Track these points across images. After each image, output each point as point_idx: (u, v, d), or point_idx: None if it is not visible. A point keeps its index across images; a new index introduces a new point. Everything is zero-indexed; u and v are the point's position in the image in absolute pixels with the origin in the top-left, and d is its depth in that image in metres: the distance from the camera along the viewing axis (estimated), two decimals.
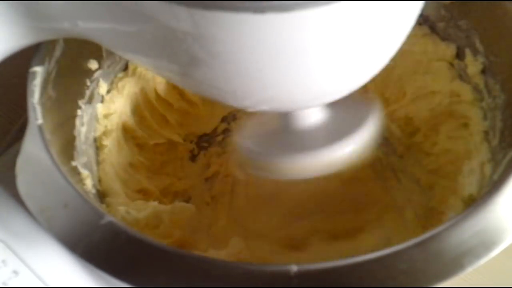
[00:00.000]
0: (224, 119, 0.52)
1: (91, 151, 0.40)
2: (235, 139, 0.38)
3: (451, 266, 0.26)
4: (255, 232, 0.45)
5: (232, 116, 0.52)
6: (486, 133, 0.38)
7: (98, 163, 0.40)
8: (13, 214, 0.33)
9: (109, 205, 0.38)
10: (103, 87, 0.42)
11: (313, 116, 0.33)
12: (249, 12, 0.20)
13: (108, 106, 0.42)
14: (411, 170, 0.45)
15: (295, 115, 0.33)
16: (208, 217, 0.46)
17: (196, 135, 0.51)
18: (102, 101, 0.42)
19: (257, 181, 0.46)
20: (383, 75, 0.29)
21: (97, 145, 0.41)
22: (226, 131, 0.51)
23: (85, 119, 0.40)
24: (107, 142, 0.41)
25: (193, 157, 0.50)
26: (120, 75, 0.44)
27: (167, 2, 0.20)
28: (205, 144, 0.51)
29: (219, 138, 0.51)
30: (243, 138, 0.37)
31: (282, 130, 0.34)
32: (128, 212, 0.36)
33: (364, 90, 0.28)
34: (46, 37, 0.29)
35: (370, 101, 0.35)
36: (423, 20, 0.44)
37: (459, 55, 0.42)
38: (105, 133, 0.41)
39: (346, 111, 0.33)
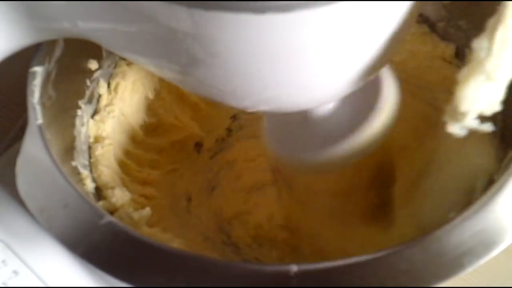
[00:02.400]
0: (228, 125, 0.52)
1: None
2: (263, 140, 0.38)
3: (451, 266, 0.26)
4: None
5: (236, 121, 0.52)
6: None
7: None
8: (13, 214, 0.33)
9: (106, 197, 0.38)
10: (103, 87, 0.42)
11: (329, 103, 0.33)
12: (249, 12, 0.20)
13: (97, 130, 0.41)
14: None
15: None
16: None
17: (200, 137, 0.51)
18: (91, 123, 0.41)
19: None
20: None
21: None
22: (228, 134, 0.51)
23: (85, 119, 0.40)
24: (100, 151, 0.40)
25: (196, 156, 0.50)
26: (105, 98, 0.43)
27: (167, 2, 0.20)
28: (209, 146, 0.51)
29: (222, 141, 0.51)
30: (269, 139, 0.37)
31: (301, 123, 0.34)
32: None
33: None
34: (46, 37, 0.29)
35: (383, 73, 0.34)
36: (422, 19, 0.44)
37: (459, 55, 0.42)
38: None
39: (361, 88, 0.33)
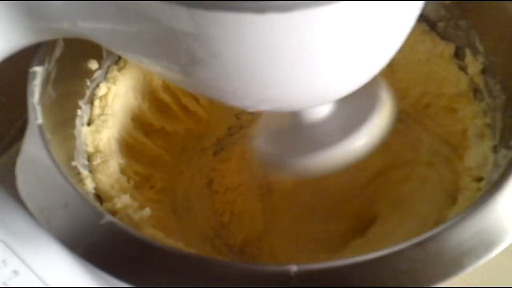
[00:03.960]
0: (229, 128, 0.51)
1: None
2: (250, 143, 0.38)
3: (451, 266, 0.26)
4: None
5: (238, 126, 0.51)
6: (488, 125, 0.38)
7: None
8: (13, 214, 0.33)
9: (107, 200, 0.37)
10: (103, 88, 0.42)
11: (324, 108, 0.33)
12: (249, 12, 0.20)
13: (93, 141, 0.40)
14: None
15: (305, 110, 0.33)
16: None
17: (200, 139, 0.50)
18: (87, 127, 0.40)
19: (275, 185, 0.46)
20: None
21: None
22: (228, 134, 0.51)
23: (85, 119, 0.40)
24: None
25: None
26: (97, 106, 0.42)
27: (167, 2, 0.20)
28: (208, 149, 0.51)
29: (223, 143, 0.51)
30: (257, 141, 0.37)
31: (293, 127, 0.34)
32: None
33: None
34: (46, 37, 0.29)
35: (379, 86, 0.35)
36: (422, 19, 0.44)
37: (459, 55, 0.42)
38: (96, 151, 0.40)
39: (357, 98, 0.33)
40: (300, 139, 0.34)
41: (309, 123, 0.33)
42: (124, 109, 0.44)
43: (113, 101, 0.42)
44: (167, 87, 0.47)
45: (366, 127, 0.32)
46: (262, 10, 0.19)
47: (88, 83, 0.40)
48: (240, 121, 0.51)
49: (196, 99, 0.49)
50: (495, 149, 0.36)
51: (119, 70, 0.43)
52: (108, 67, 0.43)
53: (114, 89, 0.42)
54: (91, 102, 0.41)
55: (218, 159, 0.50)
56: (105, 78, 0.42)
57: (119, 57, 0.43)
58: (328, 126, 0.33)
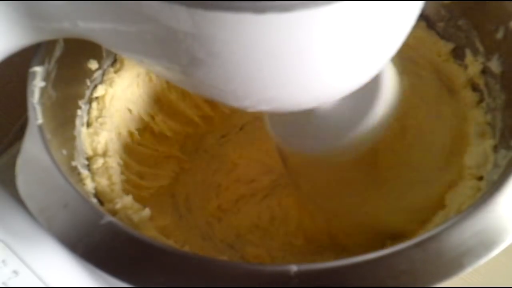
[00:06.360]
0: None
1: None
2: (266, 127, 0.39)
3: (451, 266, 0.26)
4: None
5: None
6: (488, 124, 0.38)
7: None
8: (13, 214, 0.33)
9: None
10: (100, 89, 0.42)
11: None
12: (249, 12, 0.20)
13: (91, 143, 0.40)
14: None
15: None
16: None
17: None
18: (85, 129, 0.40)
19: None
20: None
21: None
22: (227, 134, 0.51)
23: (85, 119, 0.40)
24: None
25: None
26: (95, 108, 0.42)
27: (167, 2, 0.20)
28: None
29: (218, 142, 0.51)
30: (273, 126, 0.39)
31: (308, 117, 0.36)
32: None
33: None
34: (46, 37, 0.29)
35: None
36: (422, 18, 0.44)
37: (459, 54, 0.42)
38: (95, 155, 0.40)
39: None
40: (318, 127, 0.36)
41: (322, 111, 0.35)
42: (122, 111, 0.44)
43: (111, 103, 0.42)
44: (166, 87, 0.47)
45: (374, 104, 0.34)
46: (262, 10, 0.19)
47: (88, 83, 0.40)
48: (239, 121, 0.51)
49: (195, 102, 0.49)
50: (495, 149, 0.36)
51: (116, 72, 0.43)
52: (105, 69, 0.43)
53: (111, 91, 0.42)
54: (90, 103, 0.41)
55: (217, 160, 0.50)
56: (102, 80, 0.42)
57: (116, 59, 0.43)
58: (340, 111, 0.35)
